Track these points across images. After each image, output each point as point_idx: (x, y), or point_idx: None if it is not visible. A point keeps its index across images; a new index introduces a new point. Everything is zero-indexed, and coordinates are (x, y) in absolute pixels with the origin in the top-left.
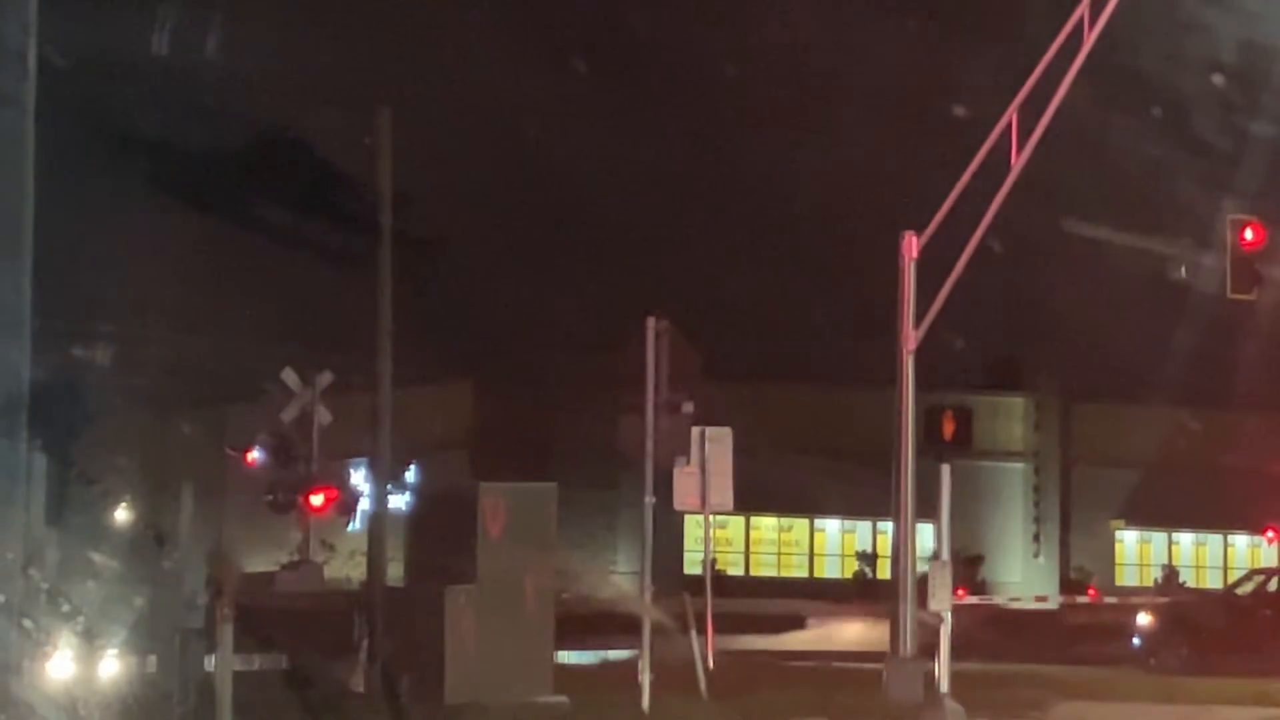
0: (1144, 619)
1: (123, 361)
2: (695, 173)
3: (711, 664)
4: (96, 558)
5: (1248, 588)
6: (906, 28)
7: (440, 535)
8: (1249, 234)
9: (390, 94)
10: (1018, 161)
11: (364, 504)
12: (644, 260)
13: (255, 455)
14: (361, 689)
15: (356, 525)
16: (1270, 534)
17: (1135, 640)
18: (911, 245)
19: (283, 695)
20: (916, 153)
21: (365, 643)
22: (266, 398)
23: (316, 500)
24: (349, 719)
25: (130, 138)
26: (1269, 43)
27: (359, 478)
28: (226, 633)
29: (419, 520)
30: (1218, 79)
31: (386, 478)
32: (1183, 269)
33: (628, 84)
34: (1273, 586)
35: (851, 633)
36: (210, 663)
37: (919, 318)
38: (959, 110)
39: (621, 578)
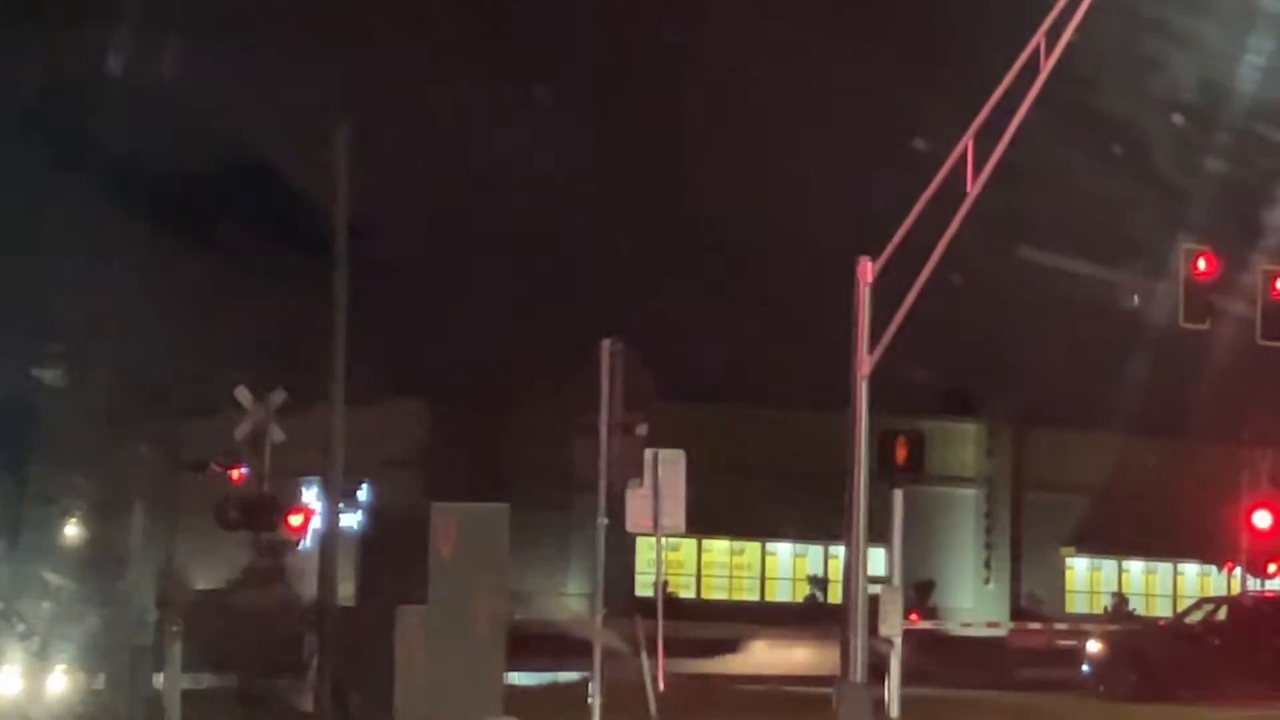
0: (1094, 646)
1: (78, 380)
2: (653, 196)
3: (662, 686)
4: (50, 575)
5: (1197, 616)
6: (869, 60)
7: (391, 555)
8: (1202, 264)
9: (349, 113)
10: (973, 189)
11: (314, 523)
12: (600, 282)
13: (242, 470)
14: (310, 708)
15: (307, 544)
16: (1229, 566)
17: (1085, 667)
18: (866, 270)
19: (231, 714)
20: (877, 181)
21: (315, 662)
22: (221, 415)
23: (295, 520)
24: None
25: (87, 159)
26: (1225, 78)
27: (310, 496)
28: (175, 651)
29: (370, 539)
30: (1174, 112)
31: (338, 496)
32: (1135, 298)
33: (588, 107)
34: (1222, 616)
35: (801, 656)
36: (159, 680)
37: (873, 343)
38: (918, 141)
39: (572, 599)
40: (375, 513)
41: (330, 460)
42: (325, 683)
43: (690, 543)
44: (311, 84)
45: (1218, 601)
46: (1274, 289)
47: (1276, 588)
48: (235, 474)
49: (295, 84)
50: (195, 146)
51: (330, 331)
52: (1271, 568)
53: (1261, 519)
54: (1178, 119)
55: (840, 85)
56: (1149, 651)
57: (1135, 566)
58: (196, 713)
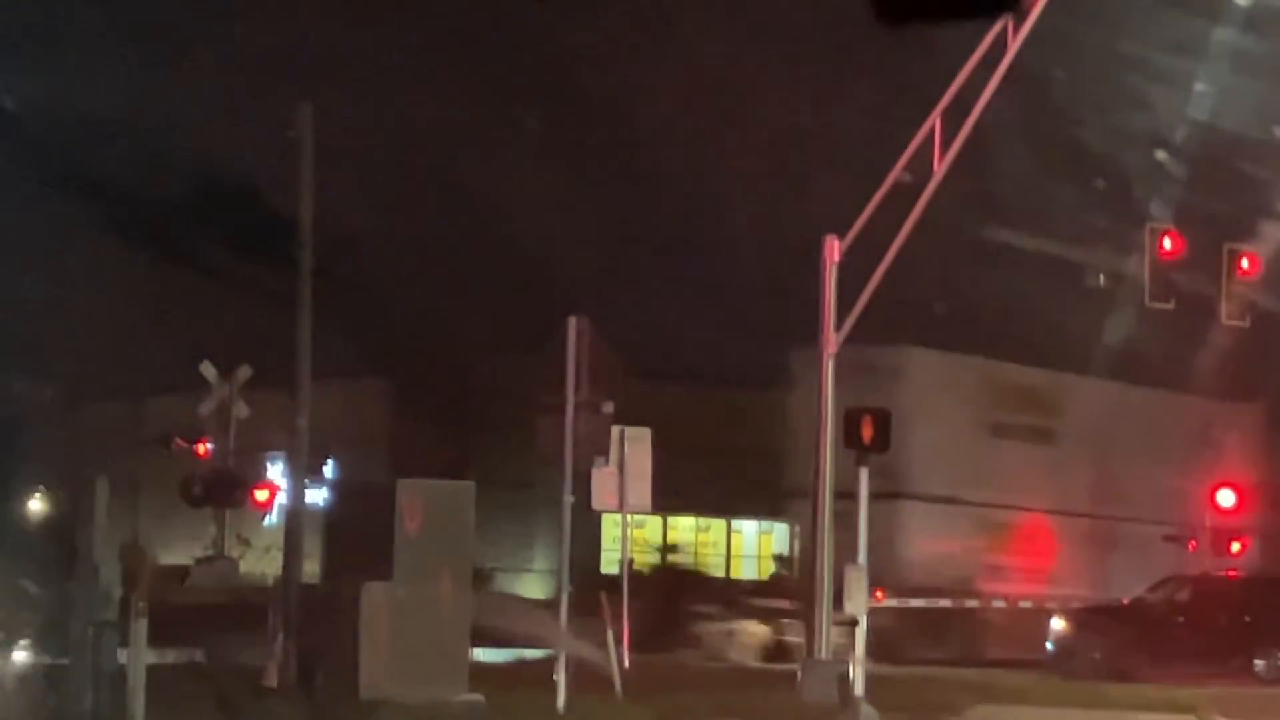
0: (1058, 624)
1: (39, 355)
2: (615, 178)
3: (627, 664)
4: (12, 551)
5: (1160, 595)
6: (838, 52)
7: (357, 531)
8: (1167, 243)
9: (311, 94)
10: (939, 169)
11: (280, 499)
12: (565, 262)
13: (209, 446)
14: (275, 684)
15: (273, 520)
16: (1193, 545)
17: (1049, 645)
18: (833, 249)
19: (196, 689)
20: (845, 162)
21: (280, 638)
22: (187, 390)
23: (261, 495)
24: (262, 714)
25: (45, 160)
26: (1188, 61)
27: (276, 472)
28: (140, 626)
29: (336, 516)
30: (1138, 91)
31: (303, 472)
32: (1100, 277)
33: (546, 94)
34: (1185, 594)
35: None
36: (124, 655)
37: (840, 322)
38: (884, 121)
39: (537, 576)
40: (341, 489)
41: (295, 436)
42: (290, 658)
43: (656, 520)
44: (271, 63)
45: (1181, 580)
46: (1238, 268)
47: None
48: (200, 449)
49: (257, 66)
50: (158, 149)
51: (296, 307)
52: (1235, 546)
53: (1225, 498)
54: (1141, 95)
55: (806, 74)
56: (1112, 630)
57: None
58: (161, 688)
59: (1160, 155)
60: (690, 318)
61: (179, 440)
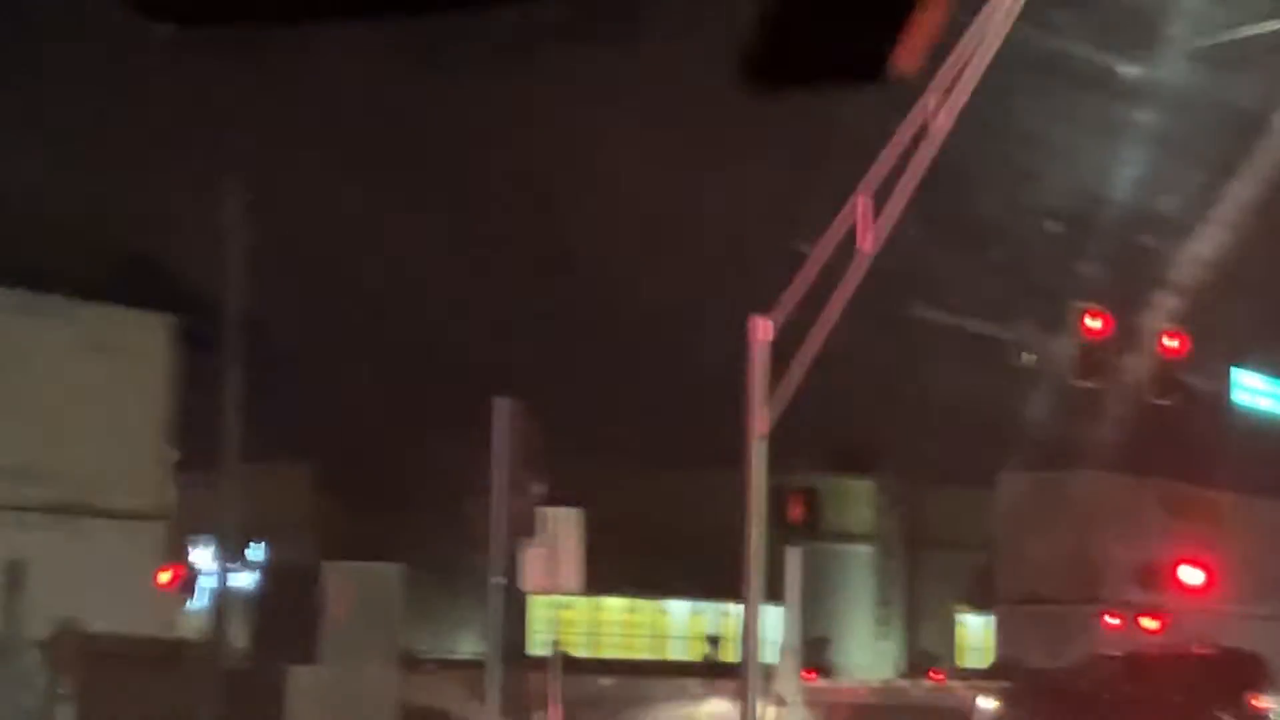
0: (985, 704)
1: None
2: (540, 257)
3: None
4: None
5: (1090, 672)
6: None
7: (285, 614)
8: (1095, 322)
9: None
10: (867, 247)
11: (203, 581)
12: (491, 343)
13: None
14: None
15: (194, 602)
16: (1116, 619)
17: None
18: (759, 329)
19: None
20: (771, 243)
21: None
22: None
23: (164, 577)
24: None
25: None
26: (1121, 137)
27: (199, 554)
28: (66, 715)
29: (264, 598)
30: (1067, 167)
31: (230, 555)
32: (1023, 355)
33: (470, 169)
34: (1113, 672)
35: (701, 715)
36: None
37: (769, 402)
38: (812, 202)
39: (465, 659)
40: (269, 571)
41: (222, 519)
42: None
43: (585, 601)
44: (196, 155)
45: (1110, 658)
46: (1164, 348)
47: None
48: None
49: (173, 143)
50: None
51: (217, 390)
52: (1150, 623)
53: (1190, 575)
54: (1070, 171)
55: (733, 156)
56: (1042, 707)
57: None
58: None
59: (1077, 230)
60: (623, 399)
61: None
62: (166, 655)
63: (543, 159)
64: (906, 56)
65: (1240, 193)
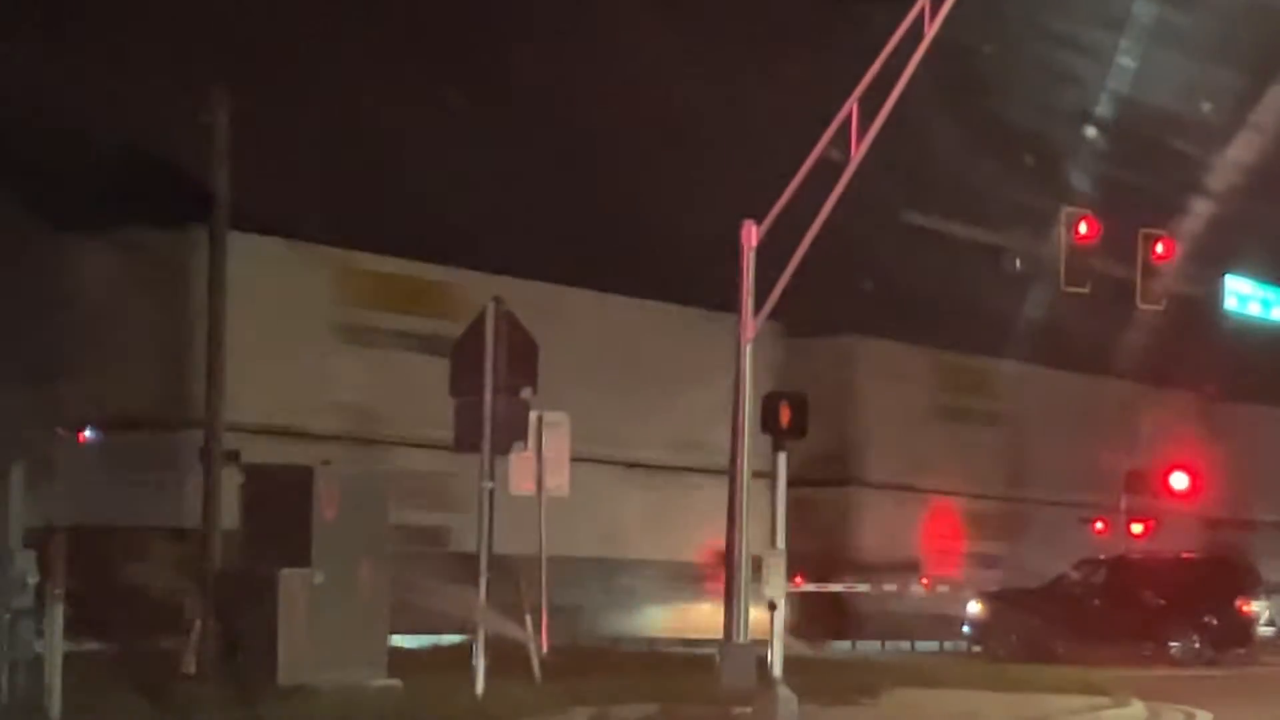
0: (974, 607)
1: None
2: (529, 161)
3: (546, 649)
4: None
5: (1076, 576)
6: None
7: (275, 517)
8: (1083, 228)
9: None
10: (857, 152)
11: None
12: (481, 251)
13: (89, 434)
14: (193, 670)
15: None
16: (1100, 524)
17: (965, 628)
18: (751, 234)
19: (113, 677)
20: (765, 149)
21: (197, 624)
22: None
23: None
24: (179, 701)
25: None
26: (1104, 46)
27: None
28: (57, 613)
29: (253, 502)
30: (1052, 76)
31: (219, 456)
32: (1017, 261)
33: (462, 78)
34: (1101, 576)
35: (694, 616)
36: (40, 645)
37: (758, 307)
38: (803, 108)
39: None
40: (257, 475)
41: (211, 419)
42: (208, 645)
43: None
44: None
45: (1097, 562)
46: (1153, 252)
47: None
48: (82, 435)
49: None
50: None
51: (213, 284)
52: (1137, 528)
53: (1178, 480)
54: (1059, 82)
55: (727, 62)
56: (1029, 612)
57: None
58: (79, 677)
59: (1080, 134)
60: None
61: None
62: (158, 550)
63: (544, 68)
64: None
65: (1237, 93)
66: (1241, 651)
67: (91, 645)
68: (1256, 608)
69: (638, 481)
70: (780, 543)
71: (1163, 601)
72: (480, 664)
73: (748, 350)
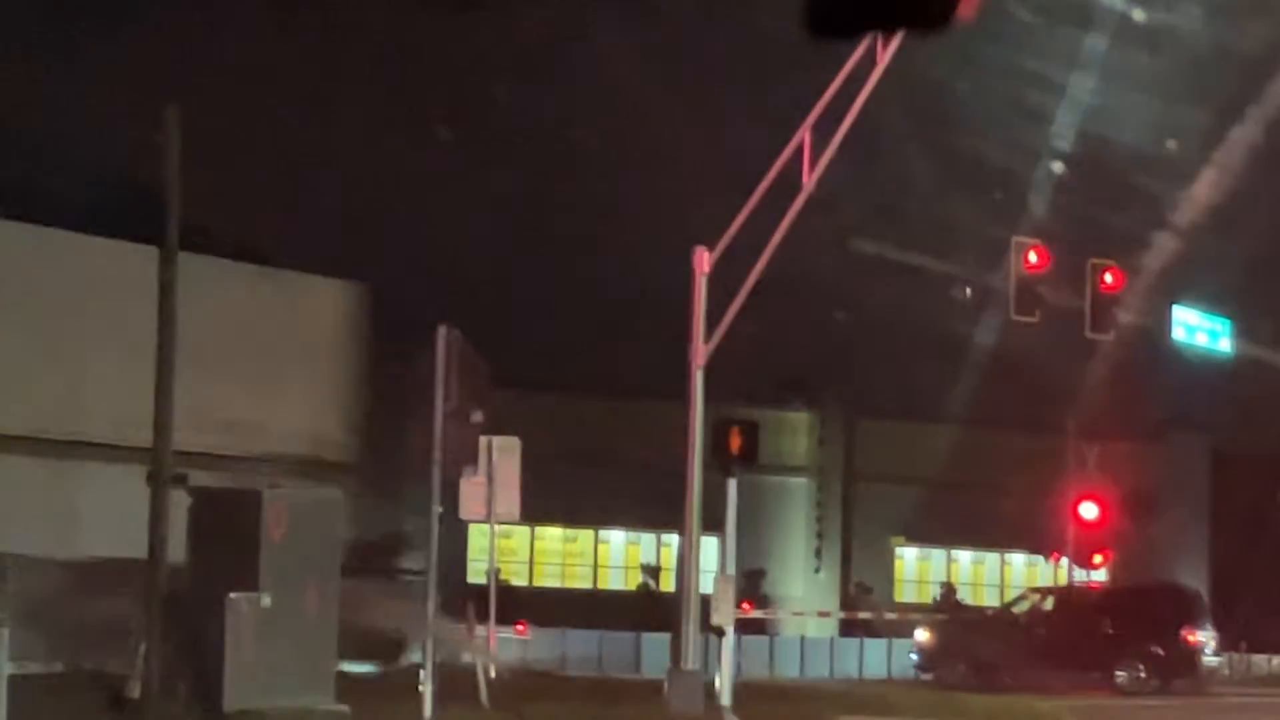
0: (922, 635)
1: None
2: (486, 182)
3: (494, 674)
4: None
5: (1023, 606)
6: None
7: (223, 539)
8: (1033, 257)
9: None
10: (809, 181)
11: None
12: (431, 269)
13: None
14: (137, 695)
15: None
16: (1055, 556)
17: (913, 656)
18: (703, 260)
19: (57, 701)
20: (719, 175)
21: (143, 648)
22: None
23: None
24: None
25: None
26: (1057, 78)
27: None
28: (2, 637)
29: (200, 523)
30: (1009, 109)
31: (167, 477)
32: (966, 291)
33: (420, 98)
34: (1047, 605)
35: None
36: None
37: (709, 333)
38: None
39: (404, 586)
40: (206, 495)
41: (159, 438)
42: (153, 669)
43: (523, 530)
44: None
45: (1044, 592)
46: (1102, 282)
47: (1101, 578)
48: None
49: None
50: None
51: (163, 313)
52: (1097, 558)
53: (1088, 510)
54: (1011, 113)
55: (687, 82)
56: (976, 641)
57: (964, 556)
58: (24, 700)
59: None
60: (566, 327)
61: None
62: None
63: (504, 98)
64: (968, 4)
65: (1190, 129)
66: (1187, 681)
67: (35, 668)
68: (1202, 637)
69: None
70: (730, 569)
71: (1109, 630)
72: (429, 690)
73: (699, 375)
